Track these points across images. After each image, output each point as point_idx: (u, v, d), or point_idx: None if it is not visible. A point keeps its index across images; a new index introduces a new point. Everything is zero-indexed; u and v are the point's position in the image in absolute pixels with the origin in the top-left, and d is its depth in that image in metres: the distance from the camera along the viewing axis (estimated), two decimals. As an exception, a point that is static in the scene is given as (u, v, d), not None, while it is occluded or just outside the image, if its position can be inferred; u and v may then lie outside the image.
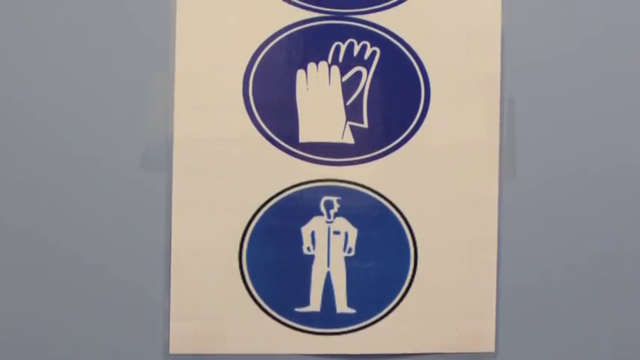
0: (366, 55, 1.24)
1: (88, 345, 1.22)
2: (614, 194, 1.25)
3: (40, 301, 1.22)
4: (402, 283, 1.24)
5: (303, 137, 1.23)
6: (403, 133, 1.24)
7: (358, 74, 1.24)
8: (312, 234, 1.23)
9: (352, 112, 1.24)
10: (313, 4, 1.24)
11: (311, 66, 1.24)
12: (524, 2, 1.25)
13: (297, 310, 1.23)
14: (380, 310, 1.24)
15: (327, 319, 1.23)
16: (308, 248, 1.24)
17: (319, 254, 1.23)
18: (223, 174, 1.23)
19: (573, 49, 1.25)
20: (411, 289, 1.24)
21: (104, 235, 1.22)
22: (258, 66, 1.23)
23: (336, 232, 1.24)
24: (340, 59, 1.24)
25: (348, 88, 1.24)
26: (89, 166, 1.22)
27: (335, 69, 1.24)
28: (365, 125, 1.24)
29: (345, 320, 1.24)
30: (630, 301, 1.26)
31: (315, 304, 1.23)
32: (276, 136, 1.23)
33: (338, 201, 1.24)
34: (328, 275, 1.24)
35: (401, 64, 1.24)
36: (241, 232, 1.23)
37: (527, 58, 1.25)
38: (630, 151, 1.25)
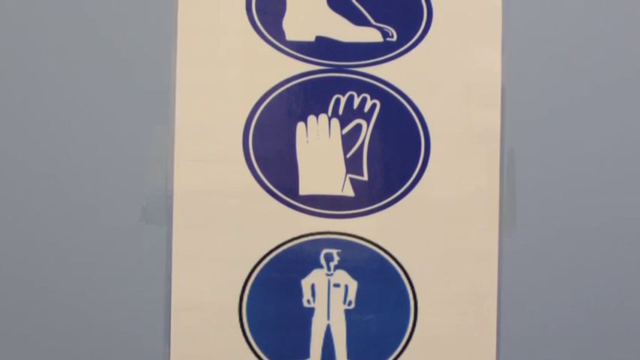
0: (366, 108, 1.26)
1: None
2: (615, 248, 1.26)
3: (39, 354, 1.23)
4: (402, 336, 1.25)
5: (303, 190, 1.25)
6: (403, 185, 1.25)
7: (358, 127, 1.26)
8: (312, 286, 1.25)
9: (352, 165, 1.25)
10: (313, 57, 1.25)
11: (311, 118, 1.25)
12: (523, 55, 1.27)
13: (297, 362, 1.25)
14: (380, 363, 1.25)
15: (328, 372, 1.25)
16: (308, 301, 1.25)
17: (319, 307, 1.25)
18: (223, 227, 1.24)
19: (573, 102, 1.27)
20: (411, 342, 1.25)
21: (104, 288, 1.24)
22: (258, 118, 1.24)
23: (336, 285, 1.25)
24: (340, 112, 1.26)
25: (348, 140, 1.26)
26: (89, 219, 1.23)
27: (335, 121, 1.25)
28: (365, 178, 1.25)
29: (345, 373, 1.25)
30: (630, 355, 1.27)
31: (315, 357, 1.24)
32: (276, 188, 1.24)
33: (338, 253, 1.25)
34: (328, 328, 1.25)
35: (401, 116, 1.26)
36: (241, 284, 1.24)
37: (527, 111, 1.26)
38: (630, 205, 1.26)
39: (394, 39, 1.26)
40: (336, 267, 1.25)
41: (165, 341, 1.22)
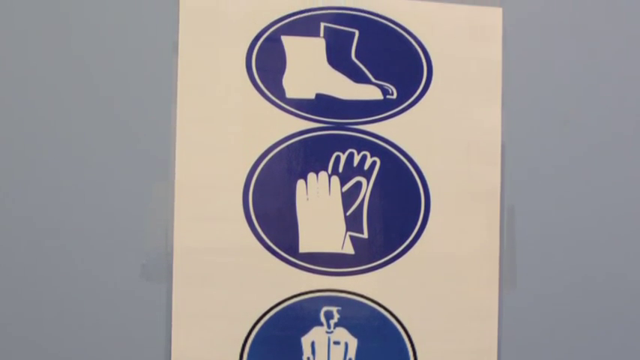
0: (366, 166, 1.27)
1: None
2: (615, 305, 1.28)
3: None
4: (403, 393, 1.27)
5: (303, 247, 1.26)
6: (403, 243, 1.27)
7: (358, 184, 1.27)
8: (312, 344, 1.26)
9: (352, 223, 1.27)
10: (313, 114, 1.27)
11: (311, 176, 1.27)
12: (523, 113, 1.29)
13: (297, 420, 1.26)
14: (381, 421, 1.26)
15: None
16: (308, 358, 1.26)
17: (319, 364, 1.26)
18: (223, 284, 1.25)
19: (572, 160, 1.28)
20: (411, 399, 1.27)
21: (104, 345, 1.25)
22: (258, 176, 1.26)
23: (336, 343, 1.26)
24: (340, 169, 1.27)
25: (348, 198, 1.27)
26: (89, 276, 1.24)
27: (335, 179, 1.27)
28: (365, 235, 1.27)
29: None
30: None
31: (315, 414, 1.26)
32: (276, 246, 1.26)
33: (338, 311, 1.26)
34: (328, 385, 1.26)
35: (401, 174, 1.27)
36: (241, 342, 1.25)
37: (527, 169, 1.28)
38: (630, 262, 1.28)
39: (394, 96, 1.28)
40: (336, 325, 1.26)
41: (165, 399, 1.23)
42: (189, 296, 1.24)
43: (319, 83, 1.27)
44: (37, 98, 1.25)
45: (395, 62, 1.28)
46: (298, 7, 1.28)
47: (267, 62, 1.27)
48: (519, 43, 1.30)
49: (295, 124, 1.26)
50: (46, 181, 1.24)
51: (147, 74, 1.26)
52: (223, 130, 1.26)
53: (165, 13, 1.26)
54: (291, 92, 1.27)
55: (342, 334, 1.26)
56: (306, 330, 1.26)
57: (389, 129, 1.27)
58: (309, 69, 1.27)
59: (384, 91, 1.28)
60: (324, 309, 1.26)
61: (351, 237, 1.26)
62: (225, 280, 1.25)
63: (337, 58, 1.28)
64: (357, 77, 1.28)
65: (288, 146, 1.26)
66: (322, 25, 1.28)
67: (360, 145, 1.27)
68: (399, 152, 1.27)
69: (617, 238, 1.28)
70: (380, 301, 1.26)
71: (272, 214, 1.26)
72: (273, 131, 1.26)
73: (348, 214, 1.26)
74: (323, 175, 1.26)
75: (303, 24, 1.27)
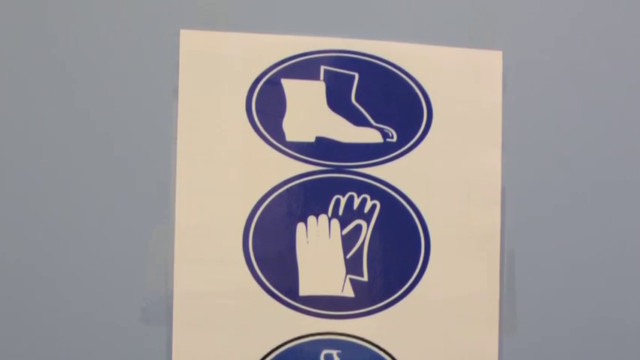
0: (366, 209, 1.28)
1: None
2: (615, 350, 1.29)
3: None
4: None
5: (303, 290, 1.27)
6: (403, 286, 1.28)
7: (358, 227, 1.28)
8: (313, 387, 1.27)
9: (352, 266, 1.28)
10: (313, 157, 1.28)
11: (311, 219, 1.28)
12: (524, 156, 1.30)
13: None
14: None
15: None
16: (308, 400, 1.27)
17: (320, 406, 1.27)
18: (223, 327, 1.26)
19: (573, 203, 1.30)
20: None
21: (103, 389, 1.25)
22: (258, 219, 1.27)
23: (337, 385, 1.27)
24: (340, 212, 1.28)
25: (348, 241, 1.28)
26: (89, 320, 1.25)
27: (335, 222, 1.28)
28: (365, 278, 1.28)
29: None
30: None
31: None
32: (276, 289, 1.27)
33: (338, 354, 1.27)
34: None
35: (401, 217, 1.28)
36: (242, 384, 1.26)
37: (527, 212, 1.29)
38: (631, 307, 1.29)
39: (394, 139, 1.29)
40: (337, 367, 1.27)
41: None
42: (190, 339, 1.25)
43: (319, 126, 1.28)
44: (38, 142, 1.26)
45: (395, 105, 1.30)
46: (298, 50, 1.29)
47: (267, 105, 1.28)
48: (519, 86, 1.31)
49: (295, 167, 1.28)
50: (47, 224, 1.26)
51: (147, 118, 1.27)
52: (223, 173, 1.27)
53: (165, 57, 1.27)
54: (291, 135, 1.28)
55: (343, 377, 1.27)
56: (306, 373, 1.27)
57: (389, 172, 1.28)
58: (309, 112, 1.28)
59: (384, 134, 1.29)
60: (325, 352, 1.27)
61: (351, 280, 1.27)
62: (226, 323, 1.26)
63: (337, 101, 1.29)
64: (357, 120, 1.29)
65: (288, 189, 1.27)
66: (322, 68, 1.29)
67: (360, 188, 1.28)
68: (399, 195, 1.28)
69: (618, 282, 1.29)
70: (380, 345, 1.27)
71: (272, 257, 1.27)
72: (273, 174, 1.28)
73: (348, 257, 1.28)
74: (323, 218, 1.27)
75: (303, 67, 1.28)
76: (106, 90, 1.27)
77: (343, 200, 1.27)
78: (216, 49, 1.28)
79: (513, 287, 1.28)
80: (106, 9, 1.28)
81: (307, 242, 1.27)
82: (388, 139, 1.28)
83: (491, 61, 1.31)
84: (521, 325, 1.28)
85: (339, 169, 1.28)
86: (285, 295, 1.26)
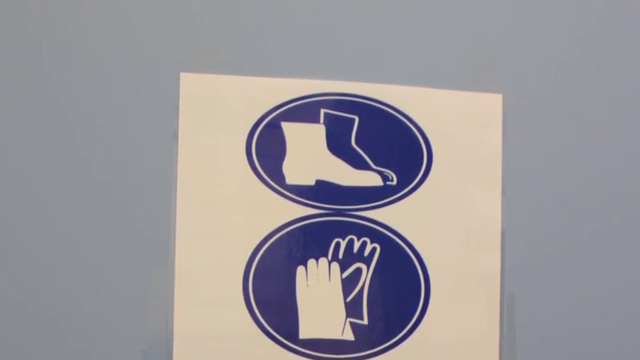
0: (366, 252, 1.29)
1: None
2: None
3: None
4: None
5: (303, 334, 1.28)
6: (403, 329, 1.29)
7: (358, 271, 1.29)
8: None
9: (352, 309, 1.29)
10: (313, 201, 1.29)
11: (311, 262, 1.29)
12: (524, 199, 1.31)
13: None
14: None
15: None
16: None
17: None
18: (223, 370, 1.27)
19: (573, 248, 1.31)
20: None
21: None
22: (258, 262, 1.28)
23: None
24: (340, 256, 1.29)
25: (348, 284, 1.29)
26: (88, 363, 1.26)
27: (335, 265, 1.29)
28: (365, 322, 1.29)
29: None
30: None
31: None
32: (277, 332, 1.28)
33: (338, 397, 1.28)
34: None
35: (401, 260, 1.29)
36: None
37: (527, 255, 1.30)
38: (631, 351, 1.30)
39: (394, 183, 1.30)
40: (337, 410, 1.28)
41: None
42: (190, 383, 1.26)
43: (319, 169, 1.29)
44: (38, 186, 1.27)
45: (395, 148, 1.31)
46: (298, 93, 1.30)
47: (267, 148, 1.29)
48: (519, 130, 1.32)
49: (295, 211, 1.29)
50: (48, 266, 1.27)
51: (147, 162, 1.28)
52: (223, 216, 1.28)
53: (165, 99, 1.28)
54: (291, 178, 1.29)
55: (343, 421, 1.28)
56: (306, 416, 1.28)
57: (389, 215, 1.29)
58: (309, 155, 1.29)
59: (384, 178, 1.30)
60: (325, 395, 1.28)
61: (351, 323, 1.28)
62: (226, 366, 1.26)
63: (337, 144, 1.30)
64: (357, 163, 1.30)
65: (288, 232, 1.28)
66: (322, 111, 1.30)
67: (360, 231, 1.29)
68: (399, 238, 1.29)
69: (618, 327, 1.30)
70: (380, 388, 1.28)
71: (272, 301, 1.28)
72: (273, 217, 1.29)
73: (348, 300, 1.29)
74: (323, 261, 1.28)
75: (303, 110, 1.30)
76: (106, 133, 1.28)
77: (343, 243, 1.28)
78: (217, 92, 1.29)
79: (513, 331, 1.29)
80: (106, 52, 1.29)
81: (307, 285, 1.28)
82: (388, 182, 1.29)
83: (491, 104, 1.32)
84: (522, 369, 1.29)
85: (339, 213, 1.29)
86: (286, 339, 1.27)
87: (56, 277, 1.26)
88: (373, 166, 1.29)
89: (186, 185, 1.27)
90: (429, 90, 1.31)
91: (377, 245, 1.28)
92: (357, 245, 1.28)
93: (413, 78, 1.31)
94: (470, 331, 1.28)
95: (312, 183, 1.28)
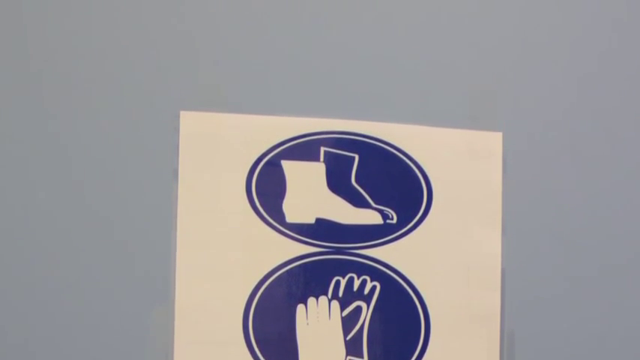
0: (366, 290, 1.30)
1: None
2: None
3: None
4: None
5: (303, 371, 1.29)
6: (403, 368, 1.30)
7: (358, 309, 1.30)
8: None
9: (352, 347, 1.30)
10: (313, 239, 1.30)
11: (311, 301, 1.30)
12: (523, 237, 1.32)
13: None
14: None
15: None
16: None
17: None
18: (223, 409, 1.28)
19: (573, 286, 1.32)
20: None
21: None
22: (258, 301, 1.29)
23: None
24: (340, 294, 1.30)
25: (348, 322, 1.30)
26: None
27: (335, 304, 1.30)
28: (365, 360, 1.29)
29: None
30: None
31: None
32: (276, 370, 1.28)
33: None
34: None
35: (401, 298, 1.30)
36: None
37: (527, 294, 1.31)
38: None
39: (394, 221, 1.31)
40: None
41: None
42: (189, 421, 1.27)
43: (319, 208, 1.30)
44: (39, 224, 1.28)
45: (395, 187, 1.32)
46: (298, 132, 1.31)
47: (267, 186, 1.30)
48: (519, 168, 1.33)
49: (295, 249, 1.30)
50: (49, 306, 1.27)
51: (147, 199, 1.29)
52: (223, 255, 1.29)
53: (165, 138, 1.29)
54: (291, 217, 1.30)
55: None
56: None
57: (389, 254, 1.30)
58: (309, 193, 1.30)
59: (384, 216, 1.31)
60: None
61: (351, 361, 1.29)
62: (225, 404, 1.27)
63: (337, 182, 1.31)
64: (357, 202, 1.31)
65: (288, 271, 1.29)
66: (322, 149, 1.31)
67: (360, 269, 1.30)
68: (399, 277, 1.30)
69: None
70: None
71: (272, 339, 1.29)
72: (273, 256, 1.29)
73: (348, 338, 1.29)
74: (323, 299, 1.29)
75: (303, 148, 1.31)
76: (106, 170, 1.29)
77: (343, 282, 1.29)
78: (217, 130, 1.30)
79: (513, 368, 1.29)
80: (106, 89, 1.30)
81: (307, 324, 1.28)
82: (388, 221, 1.30)
83: (492, 142, 1.33)
84: (522, 407, 1.29)
85: (339, 251, 1.30)
86: (286, 377, 1.28)
87: (57, 316, 1.27)
88: (373, 205, 1.30)
89: (186, 223, 1.28)
90: (429, 128, 1.32)
91: (377, 283, 1.29)
92: (357, 283, 1.29)
93: (413, 116, 1.32)
94: (470, 368, 1.28)
95: (312, 221, 1.29)
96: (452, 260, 1.30)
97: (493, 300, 1.30)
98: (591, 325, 1.31)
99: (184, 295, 1.27)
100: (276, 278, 1.28)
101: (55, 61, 1.29)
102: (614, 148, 1.35)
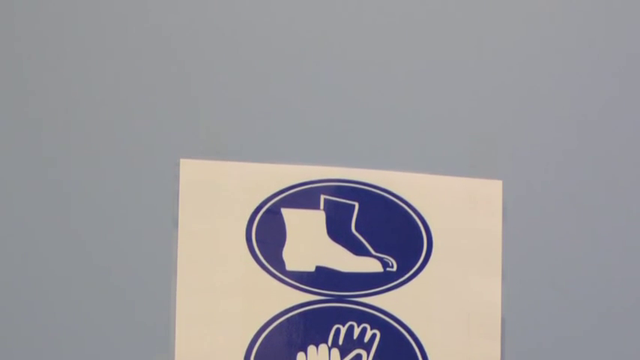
0: (366, 338, 1.31)
1: None
2: None
3: None
4: None
5: (302, 417, 1.29)
6: (403, 418, 1.30)
7: (358, 357, 1.31)
8: None
9: (352, 394, 1.30)
10: (313, 287, 1.31)
11: (311, 349, 1.30)
12: (524, 286, 1.33)
13: None
14: None
15: None
16: None
17: None
18: None
19: (572, 335, 1.32)
20: None
21: None
22: (259, 348, 1.30)
23: None
24: (340, 342, 1.31)
25: (348, 370, 1.31)
26: None
27: (335, 352, 1.31)
28: (365, 409, 1.30)
29: None
30: None
31: None
32: (277, 419, 1.29)
33: None
34: None
35: (401, 346, 1.31)
36: None
37: (527, 343, 1.32)
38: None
39: (394, 269, 1.32)
40: None
41: None
42: None
43: (319, 256, 1.31)
44: (37, 272, 1.29)
45: (395, 234, 1.33)
46: (298, 180, 1.32)
47: (267, 235, 1.31)
48: (519, 216, 1.34)
49: (295, 297, 1.31)
50: (49, 355, 1.28)
51: (147, 247, 1.30)
52: (223, 303, 1.30)
53: (165, 186, 1.30)
54: (291, 265, 1.31)
55: None
56: None
57: (389, 302, 1.31)
58: (309, 241, 1.31)
59: (384, 264, 1.32)
60: None
61: (351, 410, 1.30)
62: None
63: (337, 230, 1.32)
64: (357, 250, 1.32)
65: (288, 319, 1.30)
66: (322, 197, 1.32)
67: (360, 317, 1.31)
68: (399, 325, 1.31)
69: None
70: None
71: (272, 387, 1.29)
72: (273, 304, 1.30)
73: (348, 386, 1.30)
74: (323, 347, 1.30)
75: (303, 196, 1.32)
76: (106, 219, 1.30)
77: (343, 330, 1.30)
78: (216, 178, 1.31)
79: (514, 417, 1.30)
80: (106, 137, 1.31)
81: (307, 372, 1.29)
82: (388, 269, 1.31)
83: (491, 190, 1.34)
84: None
85: (339, 299, 1.31)
86: (285, 423, 1.28)
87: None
88: (373, 253, 1.31)
89: (186, 271, 1.29)
90: (429, 176, 1.33)
91: (377, 331, 1.30)
92: (357, 331, 1.30)
93: (412, 164, 1.33)
94: (470, 417, 1.29)
95: (312, 269, 1.30)
96: (452, 308, 1.31)
97: (493, 349, 1.30)
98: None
99: (184, 343, 1.28)
100: (277, 326, 1.29)
101: (55, 109, 1.31)
102: (614, 197, 1.36)
